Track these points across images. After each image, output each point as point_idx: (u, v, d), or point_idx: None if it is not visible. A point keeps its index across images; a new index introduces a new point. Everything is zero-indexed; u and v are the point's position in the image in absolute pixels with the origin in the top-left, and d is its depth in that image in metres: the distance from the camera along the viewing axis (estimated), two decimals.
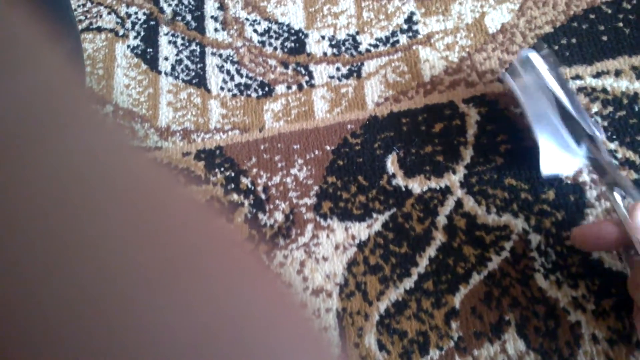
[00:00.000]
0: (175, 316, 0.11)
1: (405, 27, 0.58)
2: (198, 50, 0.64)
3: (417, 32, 0.58)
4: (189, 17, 0.66)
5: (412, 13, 0.59)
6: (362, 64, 0.58)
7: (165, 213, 0.12)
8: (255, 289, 0.14)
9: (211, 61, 0.63)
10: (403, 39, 0.58)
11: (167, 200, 0.12)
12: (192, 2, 0.66)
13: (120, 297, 0.10)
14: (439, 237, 0.50)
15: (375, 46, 0.59)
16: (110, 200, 0.10)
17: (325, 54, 0.60)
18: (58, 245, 0.09)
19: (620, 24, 0.53)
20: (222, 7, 0.65)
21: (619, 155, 0.49)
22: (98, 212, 0.10)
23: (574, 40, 0.53)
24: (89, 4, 0.71)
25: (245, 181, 0.56)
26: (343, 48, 0.60)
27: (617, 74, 0.51)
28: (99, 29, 0.69)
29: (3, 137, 0.09)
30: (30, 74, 0.11)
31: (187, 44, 0.65)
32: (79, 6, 0.71)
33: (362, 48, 0.59)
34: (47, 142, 0.10)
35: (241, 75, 0.61)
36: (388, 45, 0.58)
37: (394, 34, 0.59)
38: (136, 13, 0.68)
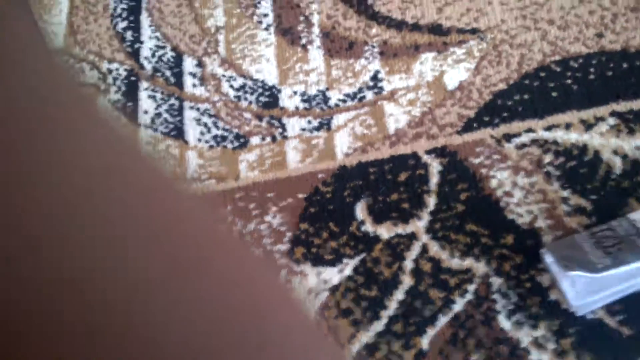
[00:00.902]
0: (181, 316, 0.11)
1: (371, 84, 0.63)
2: (177, 104, 0.67)
3: (382, 88, 0.62)
4: (168, 73, 0.69)
5: (377, 71, 0.63)
6: (332, 117, 0.62)
7: (170, 213, 0.12)
8: (263, 288, 0.14)
9: (189, 114, 0.66)
10: (369, 95, 0.62)
11: (172, 202, 0.13)
12: (172, 59, 0.70)
13: (126, 298, 0.10)
14: (407, 281, 0.52)
15: (344, 101, 0.63)
16: (114, 201, 0.11)
17: (297, 108, 0.64)
18: (62, 244, 0.09)
19: (569, 81, 0.58)
20: (200, 64, 0.69)
21: (571, 202, 0.52)
22: (102, 211, 0.10)
23: (526, 96, 0.58)
24: (71, 60, 0.74)
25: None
26: (314, 103, 0.63)
27: (567, 127, 0.56)
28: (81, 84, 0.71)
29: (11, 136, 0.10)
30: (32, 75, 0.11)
31: (166, 98, 0.68)
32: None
33: (331, 103, 0.63)
34: (50, 142, 0.10)
35: (218, 128, 0.64)
36: (355, 100, 0.62)
37: (360, 90, 0.63)
38: (117, 69, 0.71)
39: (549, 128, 0.56)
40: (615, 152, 0.54)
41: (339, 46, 0.66)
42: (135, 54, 0.72)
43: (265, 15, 0.70)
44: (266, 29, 0.69)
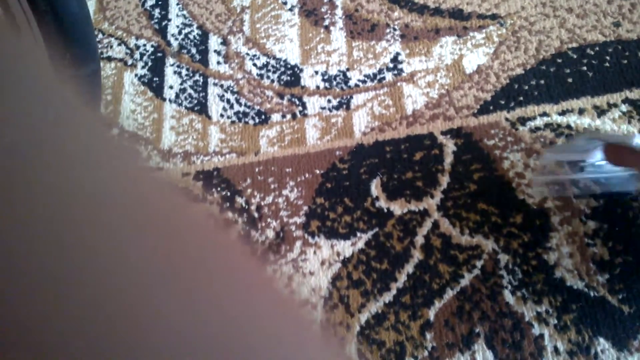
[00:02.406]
0: (179, 319, 0.11)
1: (391, 65, 0.64)
2: (201, 80, 0.69)
3: (401, 70, 0.64)
4: (193, 50, 0.72)
5: (398, 53, 0.65)
6: (351, 97, 0.64)
7: (169, 221, 0.12)
8: (258, 291, 0.14)
9: (213, 91, 0.68)
10: (389, 76, 0.64)
11: (172, 211, 0.13)
12: (197, 37, 0.72)
13: (124, 302, 0.10)
14: (417, 255, 0.54)
15: (364, 82, 0.64)
16: (116, 213, 0.11)
17: (318, 87, 0.66)
18: (66, 253, 0.10)
19: (584, 68, 0.59)
20: (225, 42, 0.71)
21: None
22: (105, 222, 0.11)
23: (542, 82, 0.59)
24: (100, 35, 0.76)
25: (240, 200, 0.60)
26: (334, 82, 0.65)
27: (581, 112, 0.57)
28: (109, 59, 0.74)
29: (14, 164, 0.10)
30: (38, 97, 0.11)
31: (191, 74, 0.70)
32: None
33: (351, 83, 0.65)
34: (57, 167, 0.11)
35: (240, 104, 0.66)
36: (375, 81, 0.64)
37: (380, 71, 0.64)
38: (144, 45, 0.74)
39: (562, 113, 0.57)
40: None
41: (361, 28, 0.67)
42: (162, 31, 0.74)
43: None
44: (290, 9, 0.71)
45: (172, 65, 0.71)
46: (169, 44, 0.73)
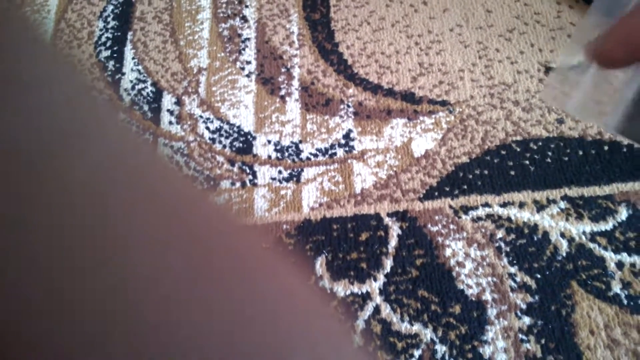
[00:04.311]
0: (200, 318, 0.11)
1: (343, 142, 0.65)
2: (151, 139, 0.68)
3: (352, 147, 0.65)
4: (146, 107, 0.71)
5: (350, 130, 0.66)
6: (302, 170, 0.64)
7: (190, 217, 0.12)
8: (283, 289, 0.14)
9: (162, 151, 0.67)
10: (340, 152, 0.65)
11: (192, 206, 0.13)
12: (151, 94, 0.71)
13: (145, 300, 0.10)
14: (356, 341, 0.54)
15: (315, 155, 0.65)
16: (135, 204, 0.11)
17: (269, 156, 0.65)
18: (87, 248, 0.10)
19: (527, 162, 0.62)
20: (179, 102, 0.70)
21: (518, 279, 0.55)
22: (124, 215, 0.10)
23: (486, 172, 0.61)
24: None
25: None
26: (286, 153, 0.65)
27: (521, 205, 0.59)
28: None
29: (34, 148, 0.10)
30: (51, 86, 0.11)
31: (141, 132, 0.69)
32: None
33: (303, 155, 0.65)
34: (76, 149, 0.10)
35: (189, 168, 0.66)
36: (326, 156, 0.65)
37: (332, 146, 0.65)
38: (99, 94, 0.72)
39: (504, 204, 0.59)
40: (562, 235, 0.57)
41: (316, 101, 0.68)
42: (115, 85, 0.73)
43: (249, 62, 0.72)
44: (248, 75, 0.71)
45: (122, 121, 0.70)
46: (120, 98, 0.72)
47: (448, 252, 0.57)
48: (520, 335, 0.53)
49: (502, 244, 0.57)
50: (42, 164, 0.10)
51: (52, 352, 0.09)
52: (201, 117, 0.69)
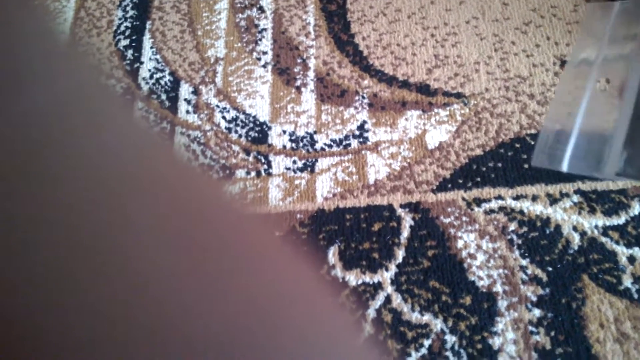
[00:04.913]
0: (213, 309, 0.11)
1: (357, 133, 0.66)
2: (168, 128, 0.69)
3: (367, 139, 0.65)
4: (163, 96, 0.72)
5: (364, 122, 0.66)
6: (317, 160, 0.65)
7: (203, 208, 0.12)
8: (294, 281, 0.14)
9: (179, 140, 0.68)
10: (354, 143, 0.65)
11: (205, 197, 0.13)
12: (169, 84, 0.72)
13: (151, 295, 0.10)
14: (367, 329, 0.55)
15: (330, 146, 0.66)
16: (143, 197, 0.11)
17: (284, 146, 0.66)
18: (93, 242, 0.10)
19: None
20: (196, 92, 0.71)
21: (529, 272, 0.56)
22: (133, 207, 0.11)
23: (499, 165, 0.62)
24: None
25: None
26: (301, 144, 0.66)
27: (534, 198, 0.59)
28: None
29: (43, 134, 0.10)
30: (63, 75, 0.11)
31: (159, 120, 0.70)
32: None
33: (317, 146, 0.66)
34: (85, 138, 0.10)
35: (205, 157, 0.67)
36: (341, 147, 0.65)
37: (347, 137, 0.66)
38: (114, 86, 0.73)
39: (517, 197, 0.60)
40: (575, 228, 0.57)
41: (331, 92, 0.69)
42: (133, 73, 0.74)
43: (265, 53, 0.73)
44: (264, 66, 0.72)
45: (140, 109, 0.71)
46: (139, 87, 0.73)
47: (460, 243, 0.58)
48: (530, 327, 0.53)
49: (514, 237, 0.57)
50: (53, 156, 0.10)
51: (54, 351, 0.09)
52: (218, 106, 0.70)
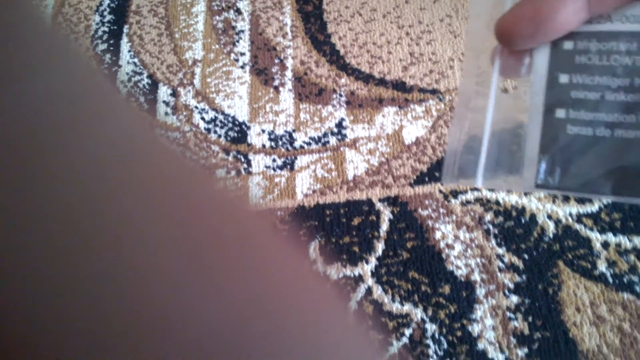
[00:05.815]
0: (214, 305, 0.11)
1: (335, 130, 0.67)
2: None
3: (345, 135, 0.66)
4: (142, 99, 0.72)
5: (342, 119, 0.67)
6: (296, 158, 0.66)
7: (200, 202, 0.12)
8: (294, 275, 0.14)
9: None
10: (333, 141, 0.66)
11: (200, 190, 0.13)
12: (147, 86, 0.73)
13: (150, 291, 0.10)
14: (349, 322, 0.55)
15: (309, 144, 0.66)
16: (139, 192, 0.11)
17: (264, 145, 0.67)
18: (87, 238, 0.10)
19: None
20: (175, 94, 0.72)
21: (505, 260, 0.57)
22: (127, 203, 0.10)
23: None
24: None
25: None
26: (280, 142, 0.67)
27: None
28: None
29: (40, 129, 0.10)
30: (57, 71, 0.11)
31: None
32: None
33: (296, 144, 0.66)
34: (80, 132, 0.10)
35: (184, 158, 0.67)
36: (319, 144, 0.66)
37: (325, 135, 0.67)
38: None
39: (492, 188, 0.61)
40: (549, 217, 0.59)
41: (309, 91, 0.70)
42: (111, 77, 0.74)
43: (242, 54, 0.73)
44: (242, 67, 0.73)
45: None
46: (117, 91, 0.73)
47: (438, 234, 0.59)
48: (508, 314, 0.54)
49: (491, 226, 0.59)
50: (46, 150, 0.10)
51: (55, 351, 0.09)
52: (196, 107, 0.71)
